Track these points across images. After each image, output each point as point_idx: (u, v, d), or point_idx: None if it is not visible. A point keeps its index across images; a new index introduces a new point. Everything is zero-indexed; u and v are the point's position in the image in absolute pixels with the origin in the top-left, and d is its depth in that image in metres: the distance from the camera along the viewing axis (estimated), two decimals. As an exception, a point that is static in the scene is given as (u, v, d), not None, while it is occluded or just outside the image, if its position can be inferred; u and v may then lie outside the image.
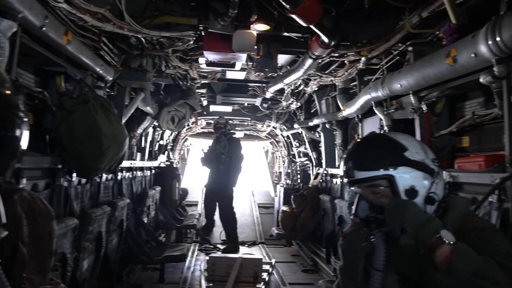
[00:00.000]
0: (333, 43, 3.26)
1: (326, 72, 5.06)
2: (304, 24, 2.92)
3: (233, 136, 8.22)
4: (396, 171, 1.49)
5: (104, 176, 4.12)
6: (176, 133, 10.26)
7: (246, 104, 8.84)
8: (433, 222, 1.39)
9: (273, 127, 10.00)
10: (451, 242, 1.32)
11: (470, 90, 3.44)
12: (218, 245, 8.31)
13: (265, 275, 5.64)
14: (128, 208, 4.54)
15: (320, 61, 4.39)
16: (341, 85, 5.58)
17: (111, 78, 3.88)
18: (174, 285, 5.72)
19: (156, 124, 7.06)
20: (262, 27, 3.51)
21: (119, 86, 4.98)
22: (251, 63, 4.55)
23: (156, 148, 8.09)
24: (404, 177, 1.48)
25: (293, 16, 2.84)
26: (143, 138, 6.70)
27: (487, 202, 2.62)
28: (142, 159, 6.75)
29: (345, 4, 3.28)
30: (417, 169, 1.49)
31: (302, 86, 6.52)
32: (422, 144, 1.59)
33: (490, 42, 2.51)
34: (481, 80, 2.80)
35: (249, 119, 9.33)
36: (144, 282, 5.77)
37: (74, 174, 3.26)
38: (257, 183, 13.80)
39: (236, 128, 10.68)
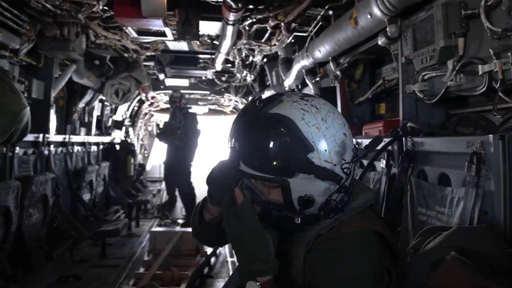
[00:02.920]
0: (240, 5, 3.10)
1: (262, 41, 4.89)
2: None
3: (189, 110, 8.05)
4: (293, 178, 1.13)
5: (22, 150, 3.97)
6: (137, 108, 10.05)
7: (203, 78, 8.63)
8: (249, 266, 1.14)
9: (235, 101, 9.84)
10: None
11: (385, 55, 3.33)
12: (179, 220, 8.27)
13: (209, 248, 5.61)
14: (56, 183, 4.40)
15: (247, 28, 4.24)
16: (283, 55, 5.42)
17: (17, 47, 3.66)
18: (118, 259, 5.71)
19: (104, 98, 6.86)
20: (170, -10, 3.34)
21: (46, 58, 4.78)
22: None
23: (109, 123, 7.90)
24: (302, 184, 1.14)
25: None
26: (87, 113, 6.50)
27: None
28: (88, 134, 6.58)
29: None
30: (321, 178, 1.13)
31: (251, 58, 6.37)
32: (341, 131, 1.17)
33: (378, 1, 2.40)
34: (379, 42, 2.70)
35: (208, 92, 9.14)
36: (91, 258, 5.76)
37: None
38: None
39: (199, 103, 10.50)
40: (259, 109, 1.17)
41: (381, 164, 2.55)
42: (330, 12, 3.54)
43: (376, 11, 2.46)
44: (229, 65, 7.15)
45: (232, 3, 3.07)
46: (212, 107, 11.22)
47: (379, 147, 2.42)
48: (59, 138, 5.02)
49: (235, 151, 1.18)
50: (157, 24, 3.82)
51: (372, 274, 1.12)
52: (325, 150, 1.12)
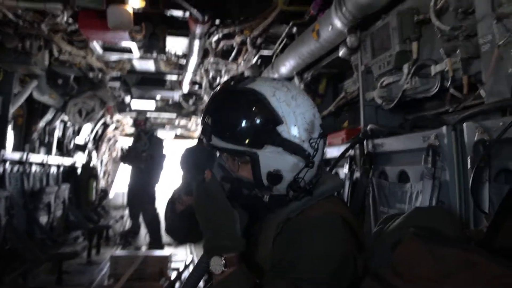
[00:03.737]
0: (206, 18, 3.16)
1: (229, 60, 4.97)
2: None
3: (155, 134, 7.94)
4: (262, 150, 1.15)
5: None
6: (101, 132, 9.80)
7: (170, 101, 8.60)
8: (214, 242, 1.14)
9: (203, 126, 9.82)
10: (217, 272, 1.12)
11: (346, 69, 3.46)
12: (143, 248, 7.96)
13: (173, 272, 5.41)
14: (10, 202, 4.16)
15: (214, 45, 4.30)
16: (251, 75, 5.52)
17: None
18: (76, 287, 5.38)
19: (66, 119, 6.67)
20: (137, 3, 3.34)
21: (5, 72, 4.63)
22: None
23: (71, 145, 7.64)
24: (271, 157, 1.15)
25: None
26: (47, 133, 6.28)
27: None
28: (49, 154, 6.33)
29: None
30: (289, 152, 1.15)
31: (218, 79, 6.43)
32: (311, 112, 1.19)
33: (339, 13, 2.51)
34: (340, 54, 2.81)
35: (175, 116, 9.08)
36: (47, 285, 5.40)
37: None
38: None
39: (165, 127, 10.39)
40: (233, 85, 1.22)
41: (344, 169, 2.60)
42: (294, 30, 3.66)
43: (337, 22, 2.58)
44: (196, 87, 7.18)
45: (198, 15, 3.13)
46: (179, 132, 11.12)
47: (340, 154, 2.48)
48: (16, 155, 4.79)
49: (207, 126, 1.19)
50: (123, 37, 3.80)
51: (338, 254, 1.14)
52: (294, 125, 1.15)
